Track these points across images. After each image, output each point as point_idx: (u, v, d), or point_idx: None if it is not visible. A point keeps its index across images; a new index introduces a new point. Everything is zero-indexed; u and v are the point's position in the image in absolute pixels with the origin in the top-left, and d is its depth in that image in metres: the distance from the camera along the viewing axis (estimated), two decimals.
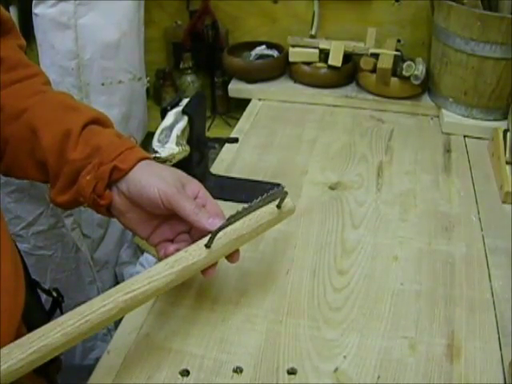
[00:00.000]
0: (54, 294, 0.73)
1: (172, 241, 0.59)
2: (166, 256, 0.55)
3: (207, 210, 0.56)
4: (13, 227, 1.10)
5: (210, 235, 0.53)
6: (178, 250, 0.55)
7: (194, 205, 0.54)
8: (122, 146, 0.56)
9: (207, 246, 0.54)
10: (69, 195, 0.56)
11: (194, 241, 0.56)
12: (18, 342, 0.44)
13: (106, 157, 0.55)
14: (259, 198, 0.54)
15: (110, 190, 0.56)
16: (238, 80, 1.22)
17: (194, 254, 0.54)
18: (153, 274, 0.51)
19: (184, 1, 1.30)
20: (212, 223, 0.54)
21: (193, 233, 0.59)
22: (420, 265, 0.71)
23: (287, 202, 0.59)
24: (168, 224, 0.58)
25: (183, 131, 0.75)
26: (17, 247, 0.56)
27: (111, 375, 0.55)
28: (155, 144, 0.72)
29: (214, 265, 0.57)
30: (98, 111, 0.60)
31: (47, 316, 0.72)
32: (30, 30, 0.99)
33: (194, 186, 0.58)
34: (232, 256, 0.57)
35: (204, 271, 0.56)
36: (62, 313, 0.76)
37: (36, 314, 0.66)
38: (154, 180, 0.54)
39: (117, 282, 1.33)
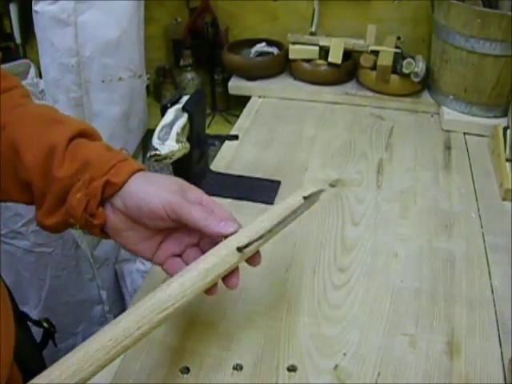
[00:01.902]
0: (45, 324, 0.69)
1: (180, 256, 0.53)
2: (177, 272, 0.49)
3: (216, 214, 0.51)
4: (12, 224, 1.10)
5: (237, 240, 0.49)
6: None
7: (202, 209, 0.50)
8: (114, 159, 0.51)
9: (240, 249, 0.49)
10: (57, 217, 0.51)
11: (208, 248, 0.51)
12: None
13: (96, 171, 0.50)
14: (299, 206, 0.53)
15: (102, 207, 0.51)
16: (237, 77, 1.22)
17: (226, 260, 0.49)
18: (187, 286, 0.47)
19: None
20: (224, 226, 0.49)
21: (203, 244, 0.54)
22: (420, 262, 0.71)
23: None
24: (173, 238, 0.53)
25: (183, 128, 0.75)
26: (3, 279, 0.50)
27: (111, 374, 0.55)
28: (155, 141, 0.72)
29: (237, 272, 0.51)
30: (84, 123, 0.55)
31: (39, 348, 0.68)
32: (30, 27, 0.99)
33: (197, 192, 0.53)
34: (253, 258, 0.52)
35: (228, 281, 0.51)
36: (54, 344, 0.70)
37: (27, 349, 0.61)
38: (153, 190, 0.50)
39: (117, 280, 1.33)
